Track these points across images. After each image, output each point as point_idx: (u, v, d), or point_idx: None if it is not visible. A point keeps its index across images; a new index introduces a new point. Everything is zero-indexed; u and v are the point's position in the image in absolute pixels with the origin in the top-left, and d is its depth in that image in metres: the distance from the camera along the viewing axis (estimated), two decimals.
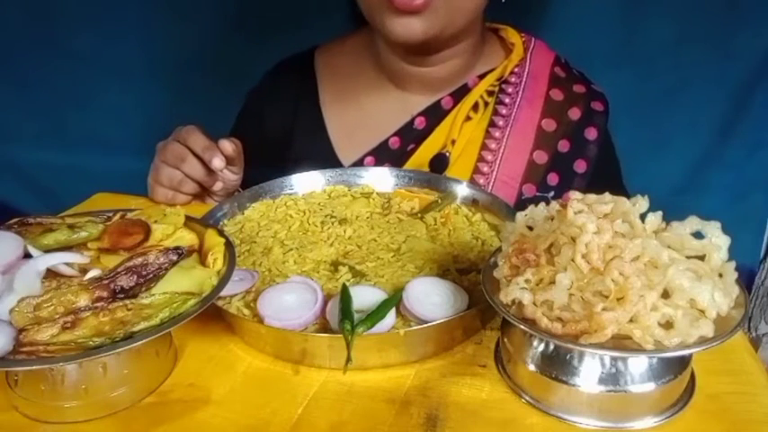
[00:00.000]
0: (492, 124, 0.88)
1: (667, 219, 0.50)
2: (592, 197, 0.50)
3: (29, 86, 1.42)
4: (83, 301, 0.48)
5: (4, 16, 1.35)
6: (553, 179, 0.87)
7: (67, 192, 0.85)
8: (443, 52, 0.85)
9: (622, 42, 1.13)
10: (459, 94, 0.88)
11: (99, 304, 0.48)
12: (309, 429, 0.48)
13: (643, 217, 0.49)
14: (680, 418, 0.48)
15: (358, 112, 0.92)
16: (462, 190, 0.76)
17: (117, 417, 0.49)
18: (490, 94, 0.89)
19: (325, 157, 0.91)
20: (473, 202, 0.75)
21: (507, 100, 0.88)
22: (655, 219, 0.49)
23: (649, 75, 1.14)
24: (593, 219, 0.47)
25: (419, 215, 0.73)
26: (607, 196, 0.50)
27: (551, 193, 0.86)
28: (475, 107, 0.88)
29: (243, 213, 0.75)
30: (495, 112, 0.88)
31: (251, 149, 0.83)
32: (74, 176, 1.20)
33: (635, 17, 1.13)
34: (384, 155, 0.88)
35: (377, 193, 0.78)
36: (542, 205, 0.53)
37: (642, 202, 0.49)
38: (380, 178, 0.80)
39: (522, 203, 0.84)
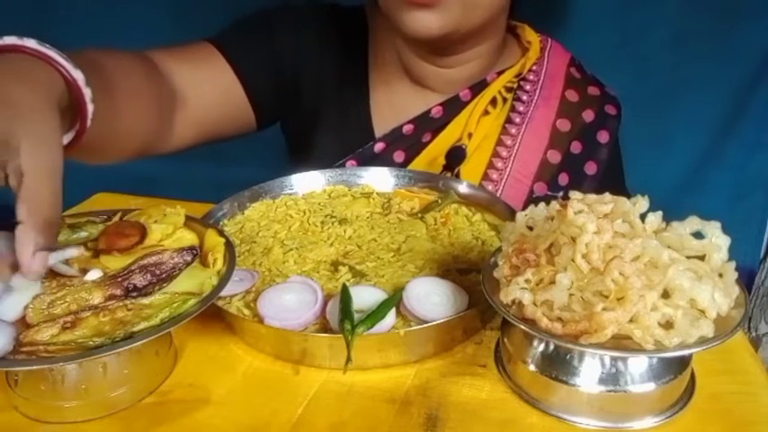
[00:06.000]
0: (509, 120, 0.87)
1: (667, 219, 0.50)
2: (592, 197, 0.50)
3: None
4: (96, 298, 0.48)
5: (4, 15, 1.35)
6: (564, 179, 0.86)
7: (67, 192, 0.84)
8: (466, 53, 0.84)
9: (622, 42, 1.13)
10: (478, 88, 0.87)
11: (111, 302, 0.48)
12: (309, 429, 0.48)
13: (643, 217, 0.49)
14: (680, 418, 0.48)
15: (387, 94, 0.90)
16: (462, 190, 0.76)
17: (117, 417, 0.49)
18: (509, 90, 0.89)
19: (359, 125, 0.89)
20: (473, 203, 0.75)
21: (525, 97, 0.88)
22: (655, 219, 0.49)
23: (649, 74, 1.14)
24: (593, 219, 0.47)
25: (419, 215, 0.73)
26: (607, 196, 0.50)
27: (561, 193, 0.85)
28: (493, 102, 0.88)
29: (243, 213, 0.75)
30: (513, 109, 0.88)
31: (251, 66, 0.82)
32: (74, 176, 1.20)
33: (635, 17, 1.13)
34: (397, 142, 0.87)
35: (377, 193, 0.78)
36: (542, 205, 0.53)
37: (642, 202, 0.49)
38: (380, 178, 0.80)
39: (532, 202, 0.83)
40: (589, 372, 0.47)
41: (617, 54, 1.11)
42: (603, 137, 0.89)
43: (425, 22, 0.75)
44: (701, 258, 0.47)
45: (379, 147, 0.87)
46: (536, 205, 0.54)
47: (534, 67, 0.89)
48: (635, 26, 1.13)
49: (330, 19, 0.90)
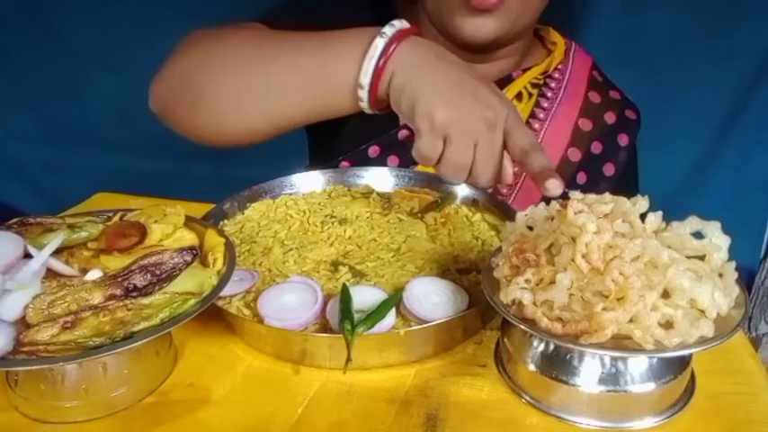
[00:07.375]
0: (533, 115, 0.88)
1: (667, 219, 0.50)
2: (592, 197, 0.50)
3: (29, 85, 1.42)
4: (96, 298, 0.48)
5: (3, 14, 1.35)
6: (582, 178, 0.87)
7: (67, 192, 0.85)
8: (498, 51, 0.85)
9: (622, 42, 1.13)
10: (504, 82, 0.88)
11: (111, 302, 0.48)
12: (309, 429, 0.48)
13: (643, 217, 0.49)
14: (680, 418, 0.48)
15: None
16: (462, 190, 0.76)
17: (117, 417, 0.49)
18: (534, 86, 0.90)
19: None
20: (473, 202, 0.75)
21: (550, 94, 0.89)
22: (655, 219, 0.49)
23: (649, 75, 1.14)
24: (593, 219, 0.47)
25: (419, 215, 0.73)
26: (607, 196, 0.50)
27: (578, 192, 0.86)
28: (518, 97, 0.89)
29: (243, 213, 0.75)
30: (537, 105, 0.89)
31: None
32: (74, 176, 1.20)
33: (635, 18, 1.13)
34: None
35: (377, 193, 0.78)
36: (542, 205, 0.53)
37: (642, 202, 0.49)
38: (380, 178, 0.80)
39: (549, 197, 0.84)
40: (589, 372, 0.47)
41: (618, 55, 1.11)
42: (624, 140, 0.90)
43: (484, 27, 0.76)
44: (701, 258, 0.47)
45: (402, 134, 0.87)
46: (536, 205, 0.54)
47: (560, 66, 0.91)
48: (635, 27, 1.13)
49: (370, 3, 0.91)
